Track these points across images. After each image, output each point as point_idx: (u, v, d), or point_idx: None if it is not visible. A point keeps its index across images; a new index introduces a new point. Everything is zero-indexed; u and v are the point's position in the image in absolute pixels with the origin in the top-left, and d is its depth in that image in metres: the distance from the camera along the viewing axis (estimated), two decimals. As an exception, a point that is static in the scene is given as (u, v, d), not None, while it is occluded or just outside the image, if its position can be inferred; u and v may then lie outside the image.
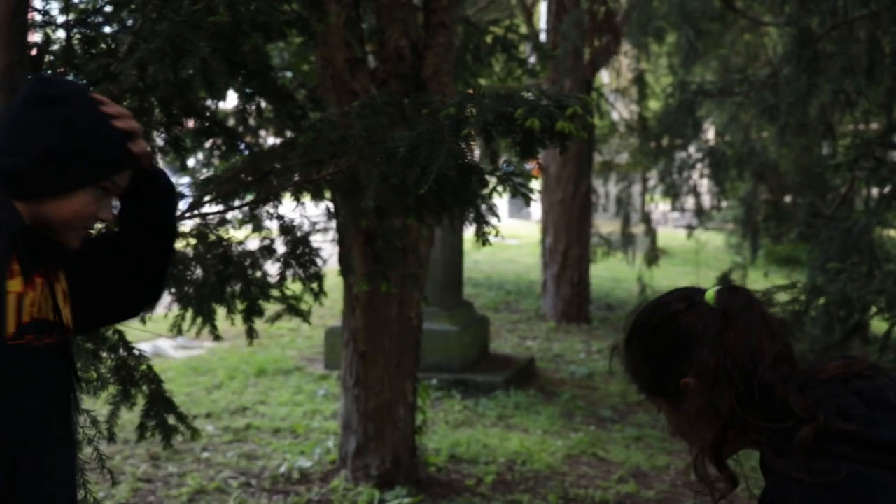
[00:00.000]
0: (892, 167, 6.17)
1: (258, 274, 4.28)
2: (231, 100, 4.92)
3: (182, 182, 4.81)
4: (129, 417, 3.95)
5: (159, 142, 4.04)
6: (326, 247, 4.81)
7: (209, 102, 4.18)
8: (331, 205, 4.63)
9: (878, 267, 5.57)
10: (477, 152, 3.99)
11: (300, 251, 4.39)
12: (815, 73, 7.93)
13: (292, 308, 4.42)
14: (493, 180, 3.81)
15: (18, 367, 2.12)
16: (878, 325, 5.32)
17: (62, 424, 2.27)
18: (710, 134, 13.60)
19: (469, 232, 4.09)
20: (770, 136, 11.05)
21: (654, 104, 14.03)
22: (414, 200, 3.26)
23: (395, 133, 3.15)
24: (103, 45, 3.72)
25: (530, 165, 4.14)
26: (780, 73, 9.54)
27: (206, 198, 3.94)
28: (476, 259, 15.68)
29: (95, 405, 3.38)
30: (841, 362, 2.03)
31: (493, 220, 4.04)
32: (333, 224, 5.05)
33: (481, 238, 3.99)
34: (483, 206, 3.91)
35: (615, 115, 14.45)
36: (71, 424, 2.32)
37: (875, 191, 8.56)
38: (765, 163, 11.80)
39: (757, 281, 13.23)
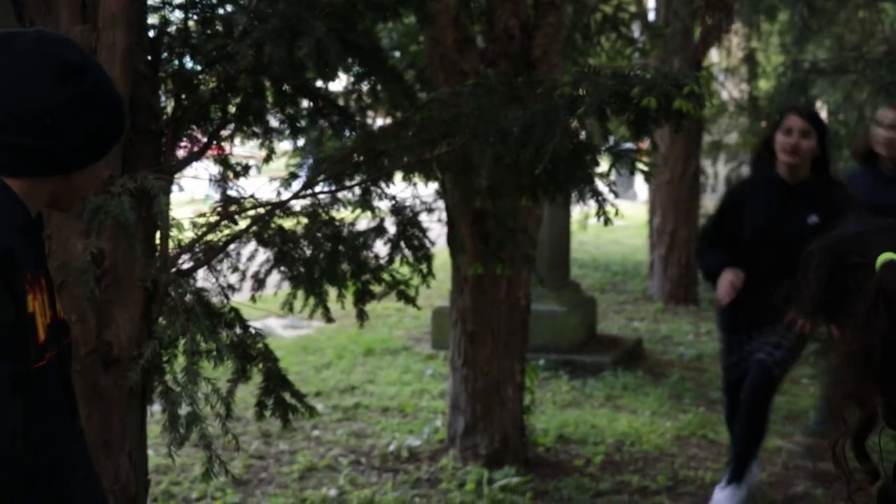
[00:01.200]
0: None
1: (368, 255, 4.31)
2: (341, 80, 4.96)
3: (295, 162, 4.85)
4: (241, 395, 4.00)
5: (274, 122, 4.09)
6: (434, 227, 4.82)
7: (320, 83, 4.20)
8: (441, 185, 4.64)
9: None
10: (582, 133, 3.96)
11: (410, 232, 4.40)
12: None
13: (402, 293, 4.43)
14: (607, 158, 3.79)
15: (44, 385, 2.05)
16: None
17: (76, 416, 2.24)
18: (822, 113, 13.29)
19: (576, 212, 4.05)
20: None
21: (763, 84, 13.76)
22: (528, 180, 3.25)
23: (509, 112, 3.14)
24: (219, 26, 3.77)
25: (643, 144, 4.12)
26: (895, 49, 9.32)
27: (319, 178, 3.98)
28: (582, 240, 15.59)
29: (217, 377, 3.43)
30: None
31: (611, 199, 4.02)
32: (442, 204, 5.06)
33: (602, 216, 3.97)
34: (601, 185, 3.89)
35: (724, 95, 14.23)
36: (78, 413, 2.29)
37: None
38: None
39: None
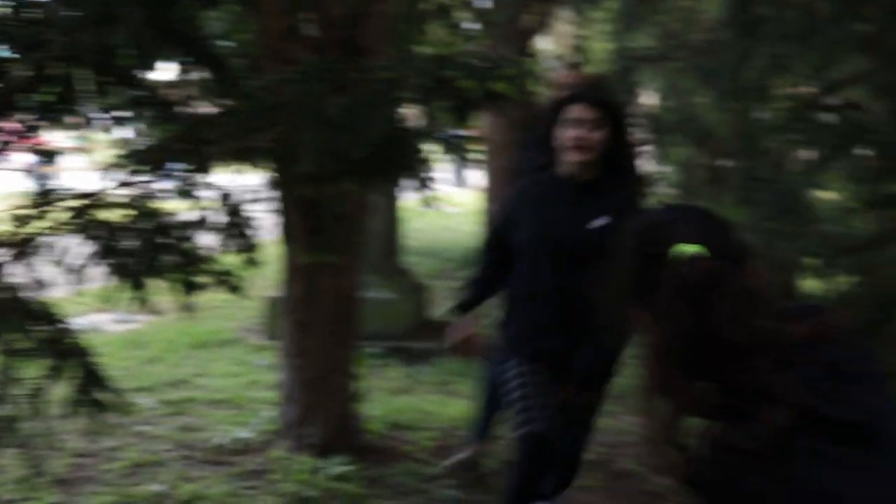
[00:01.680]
0: (824, 129, 6.21)
1: (192, 246, 4.23)
2: (167, 69, 4.85)
3: (118, 153, 4.73)
4: (66, 393, 3.89)
5: (93, 112, 3.98)
6: (266, 216, 4.77)
7: (141, 72, 4.10)
8: (269, 173, 4.58)
9: (806, 227, 5.61)
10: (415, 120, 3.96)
11: (235, 221, 4.34)
12: (752, 38, 7.96)
13: (228, 284, 4.36)
14: (432, 145, 3.80)
15: None
16: (810, 285, 5.37)
17: None
18: (649, 100, 13.59)
19: (407, 200, 4.07)
20: (708, 101, 11.09)
21: (593, 70, 14.00)
22: (351, 166, 3.23)
23: (331, 99, 3.12)
24: (34, 13, 3.64)
25: (471, 133, 4.15)
26: (717, 38, 9.56)
27: (140, 168, 3.89)
28: (416, 227, 15.65)
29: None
30: (813, 324, 1.93)
31: (436, 186, 4.04)
32: (273, 194, 5.01)
33: (427, 203, 4.00)
34: (424, 172, 3.89)
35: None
36: None
37: (809, 153, 8.62)
38: (703, 128, 11.84)
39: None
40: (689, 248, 1.90)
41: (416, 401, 7.53)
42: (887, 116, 7.58)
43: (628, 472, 6.28)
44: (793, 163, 9.27)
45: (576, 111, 4.30)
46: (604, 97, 4.36)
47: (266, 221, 4.80)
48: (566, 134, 4.33)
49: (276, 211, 4.54)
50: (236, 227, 4.26)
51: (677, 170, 13.52)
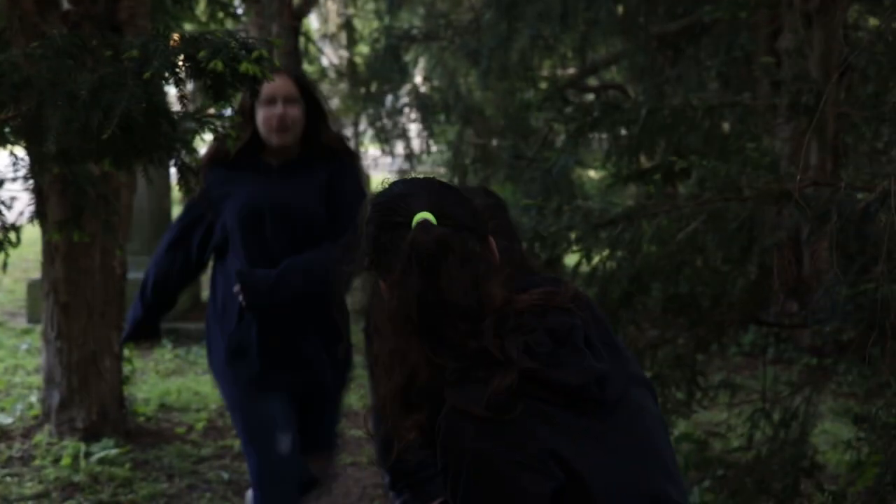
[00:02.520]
0: (579, 108, 6.45)
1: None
2: None
3: None
4: None
5: None
6: (25, 196, 4.65)
7: None
8: (19, 152, 4.47)
9: (569, 203, 5.82)
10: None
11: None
12: (515, 19, 8.19)
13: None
14: (193, 126, 3.77)
15: None
16: (571, 259, 5.56)
17: None
18: (418, 79, 13.77)
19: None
20: (474, 80, 11.33)
21: (363, 49, 14.10)
22: (99, 145, 3.19)
23: (79, 76, 3.07)
24: None
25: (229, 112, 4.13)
26: (481, 18, 9.78)
27: None
28: (189, 207, 15.44)
29: None
30: (541, 292, 2.01)
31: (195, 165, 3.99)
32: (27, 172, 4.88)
33: (184, 185, 3.96)
34: (183, 152, 3.86)
35: (325, 61, 14.45)
36: None
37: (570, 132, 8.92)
38: (470, 107, 12.07)
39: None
40: (422, 216, 1.97)
41: (187, 382, 7.48)
42: (643, 96, 7.92)
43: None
44: (556, 141, 9.57)
45: (270, 88, 3.93)
46: (297, 72, 4.11)
47: (24, 201, 4.68)
48: (264, 113, 4.06)
49: (32, 190, 4.43)
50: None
51: (447, 148, 13.78)
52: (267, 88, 3.86)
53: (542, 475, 1.87)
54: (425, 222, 1.96)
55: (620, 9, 8.66)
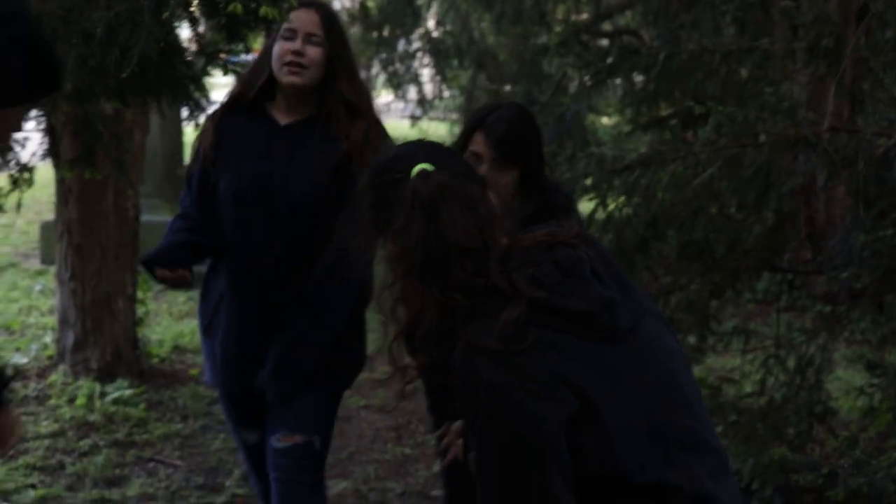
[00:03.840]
0: (596, 53, 6.40)
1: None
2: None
3: None
4: None
5: None
6: (37, 136, 4.64)
7: None
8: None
9: (582, 150, 5.80)
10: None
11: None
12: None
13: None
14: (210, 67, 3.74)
15: None
16: (587, 206, 5.55)
17: None
18: (431, 23, 13.68)
19: (190, 124, 3.95)
20: (488, 25, 11.26)
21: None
22: (115, 83, 3.18)
23: (94, 13, 3.05)
24: None
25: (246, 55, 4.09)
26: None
27: None
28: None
29: None
30: (547, 230, 2.06)
31: (208, 106, 3.96)
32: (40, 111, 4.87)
33: (196, 124, 3.92)
34: (194, 90, 3.84)
35: (337, 4, 14.35)
36: None
37: (585, 78, 8.86)
38: (483, 51, 12.02)
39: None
40: (420, 167, 2.02)
41: (200, 324, 7.50)
42: (658, 41, 7.85)
43: (411, 390, 6.38)
44: (571, 87, 9.51)
45: (294, 21, 3.31)
46: (326, 9, 3.37)
47: (36, 141, 4.68)
48: (280, 47, 3.35)
49: (44, 130, 4.42)
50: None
51: (459, 93, 13.72)
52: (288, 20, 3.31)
53: (557, 402, 1.91)
54: (424, 171, 2.02)
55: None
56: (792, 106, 5.41)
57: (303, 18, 3.30)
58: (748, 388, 5.74)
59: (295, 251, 3.38)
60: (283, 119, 3.42)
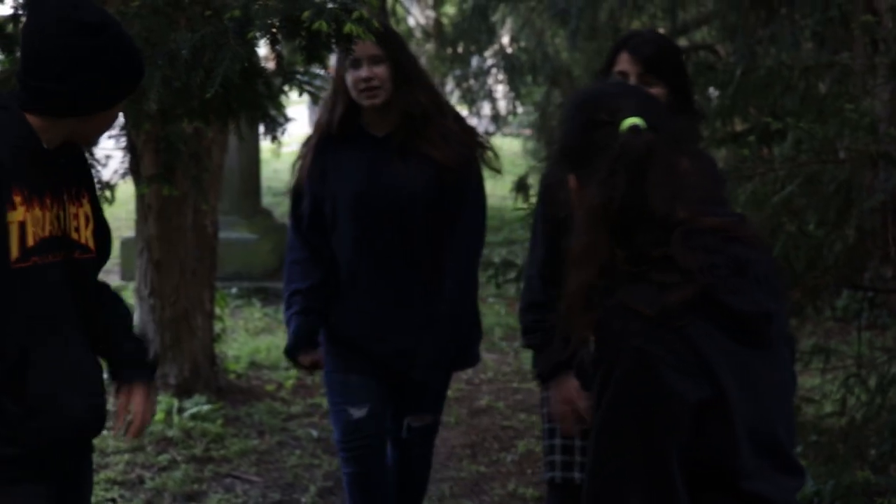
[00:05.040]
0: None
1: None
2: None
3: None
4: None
5: None
6: (118, 155, 4.72)
7: None
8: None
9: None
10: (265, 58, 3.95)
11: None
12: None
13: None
14: (286, 86, 3.78)
15: (27, 285, 2.49)
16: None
17: (77, 330, 2.64)
18: (505, 39, 13.71)
19: (267, 140, 4.05)
20: (562, 41, 11.23)
21: (449, 9, 14.04)
22: (198, 104, 3.22)
23: (178, 35, 3.10)
24: None
25: (322, 71, 4.14)
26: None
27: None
28: (276, 168, 15.53)
29: None
30: (728, 220, 2.06)
31: (285, 124, 4.02)
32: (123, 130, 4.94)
33: (273, 141, 3.99)
34: (272, 110, 3.89)
35: (412, 21, 14.42)
36: (86, 332, 2.69)
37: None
38: (558, 67, 11.99)
39: (552, 184, 13.43)
40: (632, 120, 2.00)
41: (277, 340, 7.55)
42: (735, 56, 7.78)
43: (486, 407, 6.41)
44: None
45: (357, 50, 3.51)
46: (376, 30, 3.38)
47: (118, 160, 4.75)
48: (352, 76, 3.68)
49: (127, 148, 4.49)
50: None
51: (533, 109, 13.70)
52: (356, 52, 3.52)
53: (694, 383, 1.91)
54: (636, 126, 1.99)
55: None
56: (873, 122, 5.33)
57: (363, 46, 3.50)
58: (828, 408, 5.67)
59: (418, 246, 3.77)
60: (377, 131, 3.78)
